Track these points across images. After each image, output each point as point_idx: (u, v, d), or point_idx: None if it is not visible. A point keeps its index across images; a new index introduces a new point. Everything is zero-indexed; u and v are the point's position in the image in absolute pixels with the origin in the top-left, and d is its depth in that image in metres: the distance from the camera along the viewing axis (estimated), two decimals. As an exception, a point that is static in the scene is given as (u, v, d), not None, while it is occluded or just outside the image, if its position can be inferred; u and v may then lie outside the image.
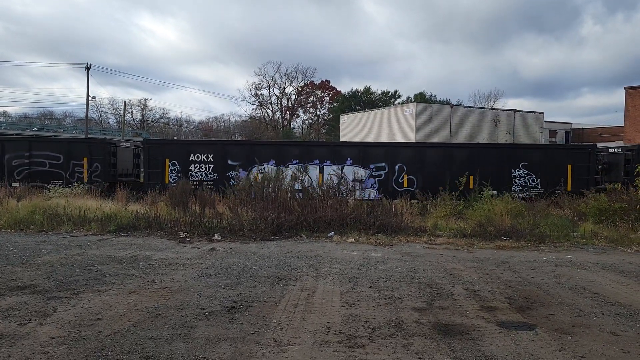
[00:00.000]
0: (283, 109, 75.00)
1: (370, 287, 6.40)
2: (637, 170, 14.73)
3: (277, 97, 74.02)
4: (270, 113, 75.17)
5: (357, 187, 16.45)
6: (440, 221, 12.51)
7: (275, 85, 72.97)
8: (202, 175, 17.00)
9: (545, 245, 10.00)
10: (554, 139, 46.86)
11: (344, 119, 43.30)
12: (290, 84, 73.39)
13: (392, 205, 12.79)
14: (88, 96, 46.91)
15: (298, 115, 77.80)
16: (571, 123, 52.17)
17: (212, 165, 17.11)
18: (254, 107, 75.29)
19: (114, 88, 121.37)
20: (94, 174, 17.66)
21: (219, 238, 10.26)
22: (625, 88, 32.18)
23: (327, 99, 75.42)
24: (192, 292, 5.97)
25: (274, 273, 7.12)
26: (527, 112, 37.75)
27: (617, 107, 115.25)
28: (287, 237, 10.55)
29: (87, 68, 45.73)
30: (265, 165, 16.82)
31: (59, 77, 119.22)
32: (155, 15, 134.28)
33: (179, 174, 16.94)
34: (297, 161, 16.94)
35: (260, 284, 6.47)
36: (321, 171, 16.86)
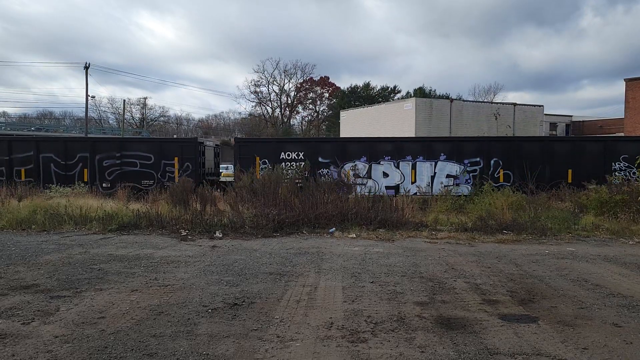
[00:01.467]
0: (282, 106, 74.92)
1: (372, 282, 6.41)
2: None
3: (277, 94, 73.95)
4: (269, 110, 75.16)
5: (452, 183, 16.29)
6: (441, 216, 12.51)
7: (275, 82, 72.87)
8: (292, 173, 16.62)
9: (547, 238, 10.00)
10: (554, 132, 46.79)
11: (344, 115, 43.25)
12: (289, 81, 73.31)
13: (392, 201, 12.79)
14: (87, 95, 46.91)
15: (298, 112, 77.70)
16: (571, 116, 52.10)
17: (303, 163, 16.76)
18: (254, 104, 75.26)
19: (113, 87, 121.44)
20: (185, 173, 17.56)
21: (220, 235, 10.27)
22: (625, 80, 32.09)
23: (327, 95, 75.28)
24: (194, 290, 5.98)
25: (275, 269, 7.13)
26: (527, 105, 37.65)
27: (617, 99, 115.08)
28: (288, 233, 10.56)
29: (86, 67, 45.69)
30: (357, 162, 16.60)
31: (57, 77, 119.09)
32: (154, 13, 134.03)
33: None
34: (389, 157, 16.63)
35: (262, 280, 6.49)
36: (414, 167, 16.56)
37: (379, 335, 4.42)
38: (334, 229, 10.78)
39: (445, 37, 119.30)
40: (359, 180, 16.15)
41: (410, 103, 33.77)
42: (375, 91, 67.25)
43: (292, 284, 6.31)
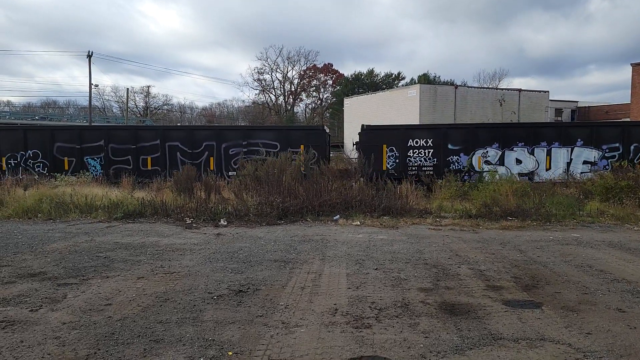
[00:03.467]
0: (286, 94, 74.63)
1: (376, 269, 6.43)
2: None
3: (280, 82, 73.64)
4: (273, 98, 74.90)
5: (589, 170, 15.94)
6: (446, 203, 12.50)
7: (278, 70, 72.66)
8: (420, 161, 16.38)
9: (551, 225, 9.99)
10: (559, 118, 46.45)
11: (348, 102, 43.06)
12: (292, 68, 73.07)
13: (397, 188, 12.79)
14: (91, 84, 46.79)
15: (301, 100, 77.33)
16: (577, 101, 51.66)
17: (432, 150, 16.46)
18: (257, 92, 75.05)
19: (116, 75, 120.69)
20: (311, 161, 17.08)
21: (225, 223, 10.31)
22: (632, 64, 31.71)
23: (330, 82, 74.87)
24: (199, 277, 6.03)
25: (280, 257, 7.17)
26: (532, 91, 37.34)
27: (624, 84, 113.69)
28: (292, 221, 10.59)
29: (89, 56, 45.54)
30: (488, 149, 16.27)
31: (61, 66, 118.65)
32: (157, 1, 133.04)
33: (397, 160, 16.41)
34: (523, 143, 16.22)
35: (267, 267, 6.52)
36: (549, 154, 16.15)
37: (383, 321, 4.45)
38: (338, 216, 10.80)
39: (451, 22, 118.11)
40: (489, 167, 15.89)
41: (415, 90, 33.56)
42: (379, 78, 66.78)
43: (296, 271, 6.34)
